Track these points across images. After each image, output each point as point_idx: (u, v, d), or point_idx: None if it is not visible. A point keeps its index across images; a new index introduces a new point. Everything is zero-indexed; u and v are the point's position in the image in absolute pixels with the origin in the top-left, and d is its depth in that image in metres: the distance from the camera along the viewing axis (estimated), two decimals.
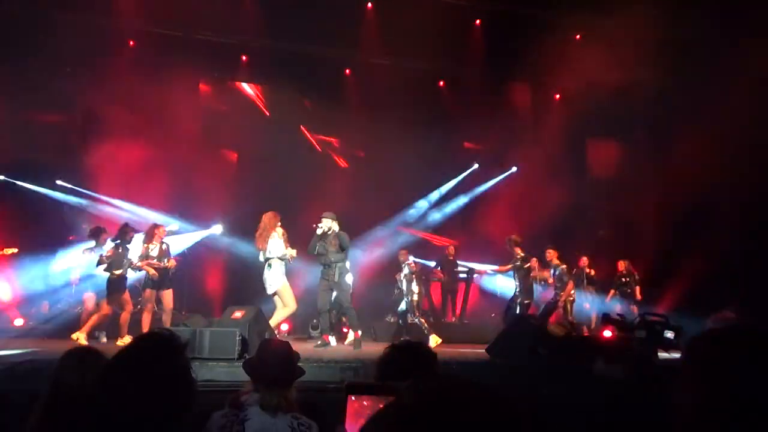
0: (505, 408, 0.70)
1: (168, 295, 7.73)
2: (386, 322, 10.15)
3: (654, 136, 11.84)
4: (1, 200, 9.86)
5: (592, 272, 10.45)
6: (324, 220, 7.23)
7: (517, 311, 8.74)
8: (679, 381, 0.87)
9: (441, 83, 12.58)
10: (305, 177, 11.77)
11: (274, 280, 7.03)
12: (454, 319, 10.97)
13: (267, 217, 7.24)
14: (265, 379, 2.46)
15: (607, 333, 8.56)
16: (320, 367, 4.95)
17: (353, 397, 1.15)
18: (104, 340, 7.59)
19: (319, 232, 7.22)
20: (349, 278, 7.59)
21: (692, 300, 9.47)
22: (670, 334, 5.21)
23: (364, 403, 1.16)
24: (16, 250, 8.05)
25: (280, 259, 7.07)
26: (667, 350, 5.41)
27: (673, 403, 0.86)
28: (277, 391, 2.39)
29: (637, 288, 10.17)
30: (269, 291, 7.09)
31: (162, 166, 10.77)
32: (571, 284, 8.94)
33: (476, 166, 12.62)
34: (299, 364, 2.73)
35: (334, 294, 7.45)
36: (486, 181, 12.57)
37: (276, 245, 7.07)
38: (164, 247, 7.89)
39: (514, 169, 12.65)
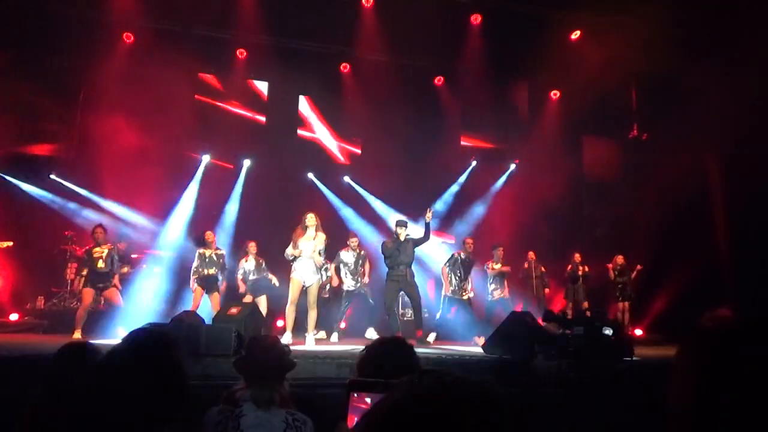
0: (499, 405, 0.70)
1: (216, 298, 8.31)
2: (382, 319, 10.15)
3: (651, 134, 11.87)
4: None
5: (586, 269, 10.49)
6: (400, 228, 7.77)
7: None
8: (672, 377, 0.87)
9: (438, 80, 12.57)
10: (303, 172, 11.80)
11: (311, 275, 7.11)
12: (448, 316, 10.97)
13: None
14: (255, 375, 2.47)
15: (608, 332, 8.60)
16: (316, 363, 4.96)
17: (356, 394, 1.16)
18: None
19: (402, 239, 7.72)
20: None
21: (688, 298, 9.50)
22: (608, 331, 5.16)
23: (367, 400, 1.16)
24: (11, 243, 8.02)
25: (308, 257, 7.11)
26: (603, 347, 5.29)
27: (665, 400, 0.86)
28: (269, 386, 2.40)
29: (630, 286, 10.21)
30: (306, 283, 7.09)
31: (158, 162, 10.76)
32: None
33: (474, 163, 12.62)
34: (295, 359, 2.74)
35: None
36: (482, 178, 12.54)
37: (306, 245, 7.12)
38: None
39: (513, 167, 12.65)
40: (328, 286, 9.04)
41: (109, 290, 7.80)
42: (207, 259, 8.32)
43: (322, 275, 7.48)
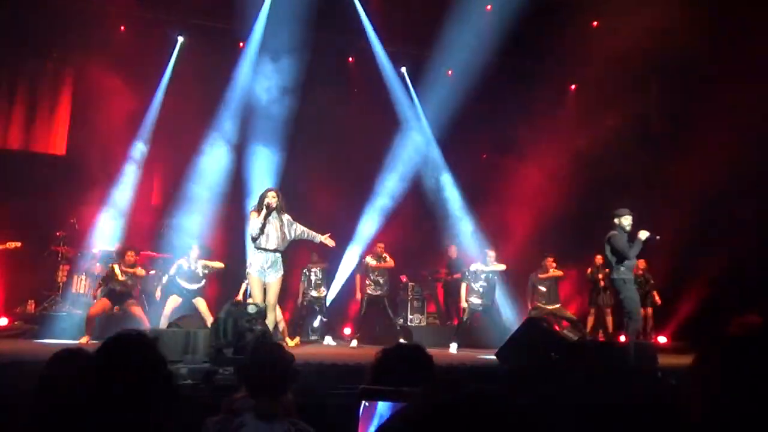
0: (517, 417, 0.71)
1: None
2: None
3: (674, 128, 11.77)
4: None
5: (607, 271, 10.44)
6: (625, 217, 6.87)
7: None
8: (693, 384, 0.87)
9: (448, 72, 12.52)
10: (308, 170, 11.80)
11: (273, 270, 6.59)
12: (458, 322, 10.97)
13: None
14: (259, 384, 2.47)
15: (623, 338, 8.57)
16: (321, 371, 4.97)
17: (366, 403, 1.17)
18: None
19: (629, 228, 6.84)
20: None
21: (716, 303, 9.43)
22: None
23: (378, 408, 1.17)
24: (19, 244, 8.06)
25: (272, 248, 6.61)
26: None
27: (682, 404, 0.86)
28: (272, 395, 2.39)
29: (654, 292, 10.16)
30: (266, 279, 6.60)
31: (156, 159, 10.84)
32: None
33: (485, 157, 12.61)
34: (300, 367, 2.74)
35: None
36: (495, 173, 12.49)
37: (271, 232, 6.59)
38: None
39: (527, 162, 12.60)
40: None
41: (128, 303, 8.03)
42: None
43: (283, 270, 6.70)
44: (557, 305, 9.41)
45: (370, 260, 9.28)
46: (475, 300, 8.85)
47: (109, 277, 8.10)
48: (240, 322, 4.40)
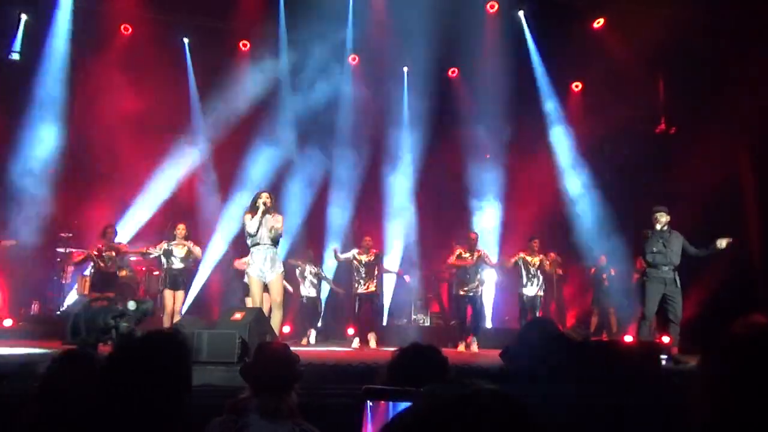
0: (524, 418, 0.71)
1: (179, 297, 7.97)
2: (395, 324, 10.19)
3: (680, 127, 11.74)
4: None
5: (612, 272, 10.42)
6: (660, 214, 6.75)
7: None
8: (699, 384, 0.87)
9: (453, 72, 12.51)
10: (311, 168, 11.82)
11: (271, 267, 6.67)
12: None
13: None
14: (262, 384, 2.48)
15: (628, 338, 8.57)
16: (325, 371, 4.97)
17: (371, 403, 1.17)
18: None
19: (661, 228, 6.73)
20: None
21: (719, 303, 9.40)
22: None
23: (382, 408, 1.17)
24: (15, 242, 8.01)
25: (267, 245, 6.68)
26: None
27: (687, 404, 0.86)
28: (276, 396, 2.40)
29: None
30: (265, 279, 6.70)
31: (161, 159, 10.86)
32: None
33: (488, 157, 12.59)
34: (304, 367, 2.75)
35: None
36: (497, 173, 12.47)
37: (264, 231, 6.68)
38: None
39: (531, 162, 12.58)
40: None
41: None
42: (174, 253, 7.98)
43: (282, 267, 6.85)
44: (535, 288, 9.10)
45: (358, 254, 8.84)
46: (463, 291, 8.64)
47: (89, 257, 7.95)
48: (99, 319, 4.15)
